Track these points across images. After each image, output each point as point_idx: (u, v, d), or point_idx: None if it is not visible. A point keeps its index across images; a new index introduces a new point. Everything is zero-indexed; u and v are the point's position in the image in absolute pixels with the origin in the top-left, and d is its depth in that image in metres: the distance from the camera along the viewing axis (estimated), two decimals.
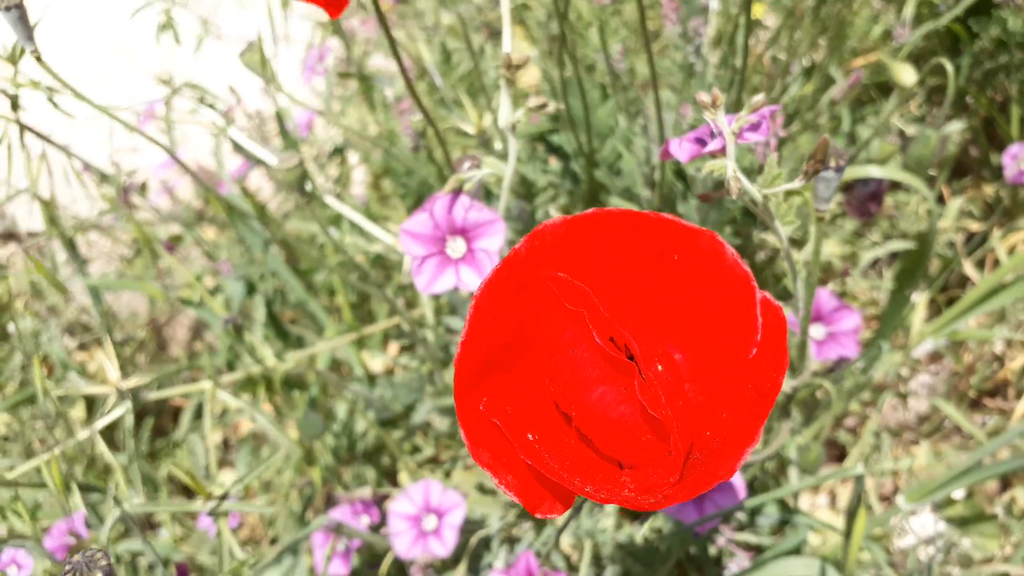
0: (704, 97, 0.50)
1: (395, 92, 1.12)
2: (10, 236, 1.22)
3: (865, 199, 0.91)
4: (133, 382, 0.71)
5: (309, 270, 1.13)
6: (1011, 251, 1.14)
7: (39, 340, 1.06)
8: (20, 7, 0.57)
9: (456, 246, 0.60)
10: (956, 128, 1.07)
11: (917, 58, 1.22)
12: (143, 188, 1.09)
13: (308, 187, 0.66)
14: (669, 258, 0.36)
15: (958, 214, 1.19)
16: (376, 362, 1.16)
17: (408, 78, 0.62)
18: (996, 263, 1.17)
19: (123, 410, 0.71)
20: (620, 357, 0.33)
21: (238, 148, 1.06)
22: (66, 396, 1.06)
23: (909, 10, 1.07)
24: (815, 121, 1.08)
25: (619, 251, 0.36)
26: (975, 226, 1.19)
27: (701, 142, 0.54)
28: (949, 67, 0.93)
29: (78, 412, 1.24)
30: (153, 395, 0.74)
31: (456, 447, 1.06)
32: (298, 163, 0.62)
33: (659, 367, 0.35)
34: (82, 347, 1.28)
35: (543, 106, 0.59)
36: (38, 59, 0.59)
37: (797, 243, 0.98)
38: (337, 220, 1.10)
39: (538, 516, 0.33)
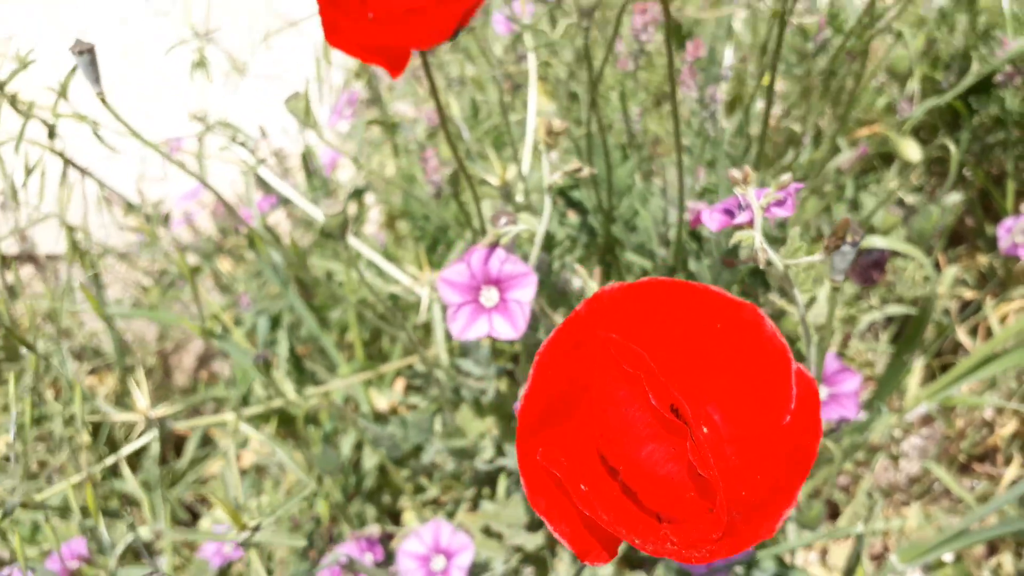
0: (736, 174, 0.54)
1: (417, 139, 1.15)
2: (28, 258, 1.24)
3: (868, 267, 0.95)
4: (162, 411, 0.73)
5: (323, 306, 1.15)
6: (1003, 320, 1.18)
7: (50, 363, 1.07)
8: (92, 52, 0.60)
9: (490, 295, 0.63)
10: (954, 200, 1.12)
11: (918, 130, 1.27)
12: (166, 219, 1.12)
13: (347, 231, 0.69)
14: (713, 326, 0.39)
15: (953, 282, 1.23)
16: (382, 400, 1.18)
17: (445, 124, 0.65)
18: (989, 332, 1.21)
19: (150, 437, 0.73)
20: (673, 419, 0.36)
21: (262, 184, 1.09)
22: (70, 420, 1.07)
23: (914, 85, 1.13)
24: (821, 187, 1.13)
25: (668, 317, 0.39)
26: (969, 294, 1.23)
27: (730, 213, 0.57)
28: (953, 148, 0.98)
29: (81, 437, 1.25)
30: (180, 424, 0.75)
31: (460, 489, 1.07)
32: (341, 210, 0.65)
33: (704, 429, 0.38)
34: (92, 372, 1.29)
35: (578, 170, 0.62)
36: (103, 100, 0.62)
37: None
38: (353, 259, 1.13)
39: (586, 563, 0.36)
